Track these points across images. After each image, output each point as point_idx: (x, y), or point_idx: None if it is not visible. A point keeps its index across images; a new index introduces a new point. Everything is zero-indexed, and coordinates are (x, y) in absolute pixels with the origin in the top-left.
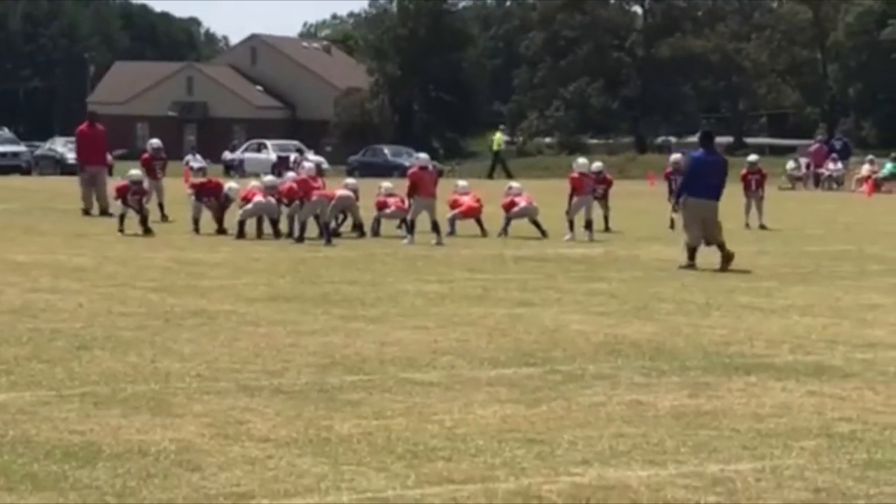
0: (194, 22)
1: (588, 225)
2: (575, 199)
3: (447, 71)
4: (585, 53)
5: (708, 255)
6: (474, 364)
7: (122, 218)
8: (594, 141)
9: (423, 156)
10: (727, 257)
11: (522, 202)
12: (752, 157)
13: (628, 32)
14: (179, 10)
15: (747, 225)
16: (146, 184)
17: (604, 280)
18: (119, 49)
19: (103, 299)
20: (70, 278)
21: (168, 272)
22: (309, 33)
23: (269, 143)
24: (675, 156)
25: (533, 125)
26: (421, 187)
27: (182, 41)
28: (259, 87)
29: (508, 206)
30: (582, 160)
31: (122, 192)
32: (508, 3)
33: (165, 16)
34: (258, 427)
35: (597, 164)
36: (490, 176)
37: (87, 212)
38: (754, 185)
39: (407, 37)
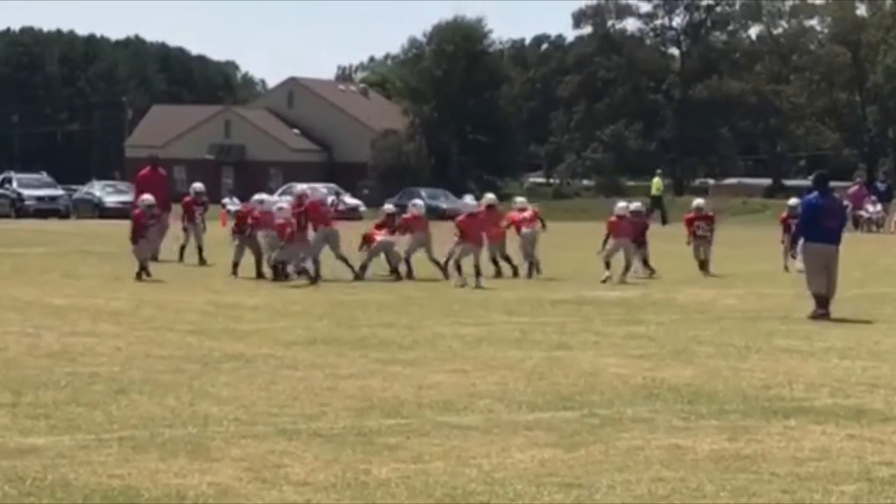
0: (231, 65)
1: (626, 268)
2: (612, 241)
3: (483, 112)
4: (622, 95)
5: (748, 298)
6: (512, 408)
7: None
8: (632, 183)
9: (469, 201)
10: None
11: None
12: (793, 201)
13: (665, 74)
14: (217, 54)
15: (786, 268)
16: (181, 226)
17: (641, 323)
18: (156, 92)
19: (141, 343)
20: (108, 322)
21: (206, 315)
22: (345, 76)
23: (306, 187)
24: (793, 200)
25: (570, 167)
26: (469, 233)
27: (219, 84)
28: (296, 130)
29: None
30: (621, 203)
31: (140, 225)
32: (545, 46)
33: (202, 59)
34: (296, 471)
35: (635, 205)
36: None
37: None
38: (794, 228)
39: (442, 78)
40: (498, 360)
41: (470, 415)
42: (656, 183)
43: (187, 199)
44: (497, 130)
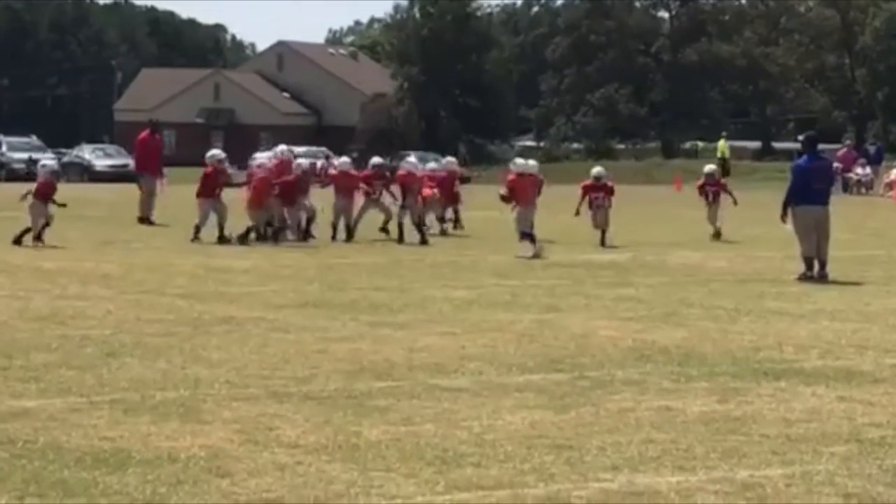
0: (221, 28)
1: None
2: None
3: (472, 75)
4: (612, 59)
5: (740, 262)
6: (502, 370)
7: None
8: (621, 146)
9: (521, 161)
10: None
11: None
12: (708, 168)
13: (655, 38)
14: (206, 17)
15: (718, 234)
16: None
17: (631, 286)
18: (146, 56)
19: (132, 306)
20: (98, 285)
21: (196, 279)
22: (335, 39)
23: (296, 149)
24: (708, 167)
25: (560, 131)
26: (520, 193)
27: (209, 48)
28: (286, 94)
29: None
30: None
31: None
32: (535, 9)
33: (192, 22)
34: (287, 433)
35: (596, 170)
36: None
37: (143, 220)
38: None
39: (430, 41)
40: (488, 323)
41: (460, 377)
42: (722, 146)
43: (209, 170)
44: (487, 94)
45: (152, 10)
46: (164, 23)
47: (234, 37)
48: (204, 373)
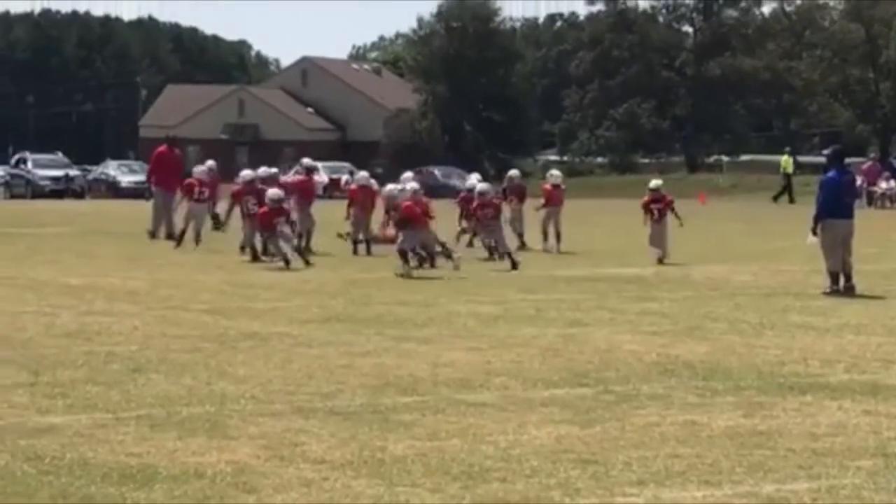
0: (245, 44)
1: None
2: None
3: (496, 90)
4: (635, 73)
5: (764, 276)
6: (528, 385)
7: (265, 249)
8: (645, 160)
9: (557, 173)
10: (852, 288)
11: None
12: (654, 183)
13: (678, 52)
14: (230, 33)
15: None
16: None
17: (656, 300)
18: (170, 72)
19: (158, 322)
20: (124, 301)
21: (221, 294)
22: (358, 55)
23: (320, 164)
24: (653, 182)
25: (584, 145)
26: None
27: (233, 64)
28: (310, 109)
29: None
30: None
31: (267, 220)
32: (559, 24)
33: (216, 38)
34: (313, 449)
35: (654, 182)
36: (775, 199)
37: (153, 234)
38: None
39: (454, 56)
40: (513, 338)
41: (486, 392)
42: (786, 161)
43: (238, 189)
44: (510, 108)
45: (176, 26)
46: (188, 39)
47: (258, 53)
48: (230, 388)
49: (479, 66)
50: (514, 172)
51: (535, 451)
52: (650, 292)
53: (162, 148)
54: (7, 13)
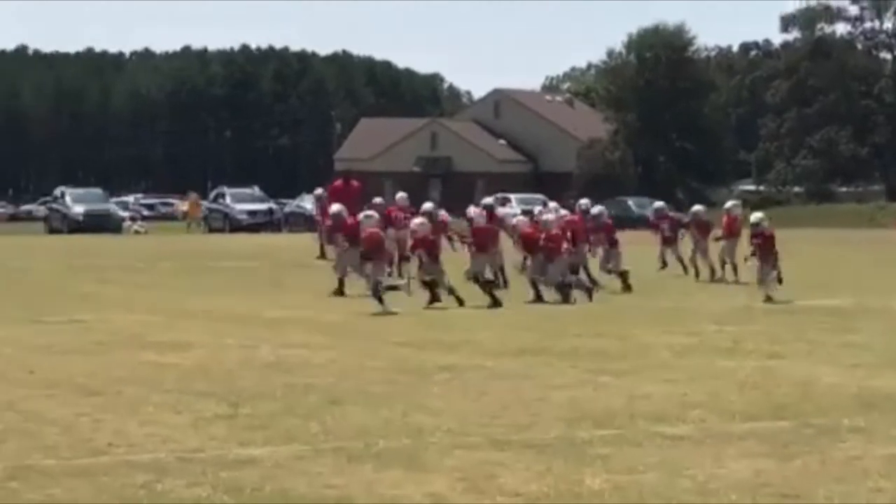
0: (437, 77)
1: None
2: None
3: (689, 119)
4: (832, 101)
5: None
6: (725, 417)
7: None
8: (843, 189)
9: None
10: None
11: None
12: (697, 208)
13: (876, 79)
14: (422, 66)
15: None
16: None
17: (855, 332)
18: (363, 105)
19: (354, 354)
20: (321, 334)
21: (416, 327)
22: (552, 86)
23: (512, 196)
24: (696, 207)
25: (780, 174)
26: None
27: (425, 96)
28: (502, 141)
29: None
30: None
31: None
32: (753, 53)
33: (409, 72)
34: (509, 482)
35: (755, 216)
36: None
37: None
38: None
39: (645, 86)
40: (709, 370)
41: (682, 425)
42: None
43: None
44: (704, 137)
45: (370, 59)
46: (381, 72)
47: (450, 85)
48: (426, 421)
49: (672, 95)
50: (697, 208)
51: (733, 485)
52: (849, 324)
53: (337, 182)
54: (205, 49)
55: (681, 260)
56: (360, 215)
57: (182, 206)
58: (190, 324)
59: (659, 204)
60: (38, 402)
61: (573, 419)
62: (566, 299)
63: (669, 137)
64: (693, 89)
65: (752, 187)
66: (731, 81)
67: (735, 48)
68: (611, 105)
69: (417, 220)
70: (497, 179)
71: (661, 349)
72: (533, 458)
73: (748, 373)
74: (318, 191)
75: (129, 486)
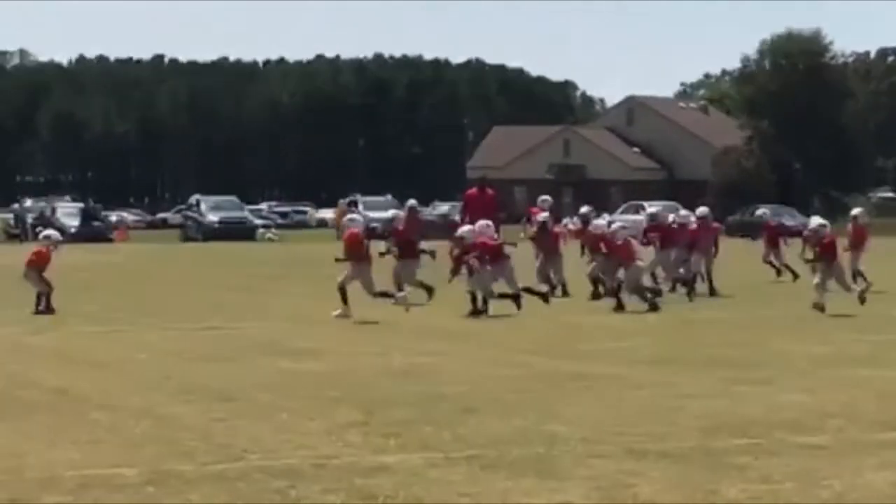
0: (570, 85)
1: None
2: None
3: (826, 126)
4: None
5: None
6: (864, 427)
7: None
8: None
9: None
10: None
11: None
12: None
13: None
14: (555, 74)
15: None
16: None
17: None
18: (496, 113)
19: (487, 362)
20: (454, 341)
21: (548, 335)
22: (686, 93)
23: (646, 204)
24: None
25: None
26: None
27: (558, 104)
28: (635, 149)
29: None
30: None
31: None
32: (891, 59)
33: (541, 79)
34: (644, 491)
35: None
36: None
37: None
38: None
39: (779, 92)
40: (848, 379)
41: (820, 434)
42: None
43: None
44: (842, 145)
45: (503, 68)
46: (514, 80)
47: (583, 93)
48: (559, 429)
49: (808, 102)
50: (856, 211)
51: (872, 496)
52: None
53: (472, 190)
54: (337, 58)
55: (787, 267)
56: (344, 218)
57: (331, 214)
58: (323, 331)
59: (702, 210)
60: (174, 408)
61: (709, 428)
62: (653, 307)
63: (805, 145)
64: (829, 95)
65: (890, 194)
66: (868, 87)
67: (873, 54)
68: (745, 112)
69: (465, 229)
70: (630, 187)
71: (799, 358)
72: (668, 467)
73: (887, 382)
74: (412, 202)
75: (265, 491)
